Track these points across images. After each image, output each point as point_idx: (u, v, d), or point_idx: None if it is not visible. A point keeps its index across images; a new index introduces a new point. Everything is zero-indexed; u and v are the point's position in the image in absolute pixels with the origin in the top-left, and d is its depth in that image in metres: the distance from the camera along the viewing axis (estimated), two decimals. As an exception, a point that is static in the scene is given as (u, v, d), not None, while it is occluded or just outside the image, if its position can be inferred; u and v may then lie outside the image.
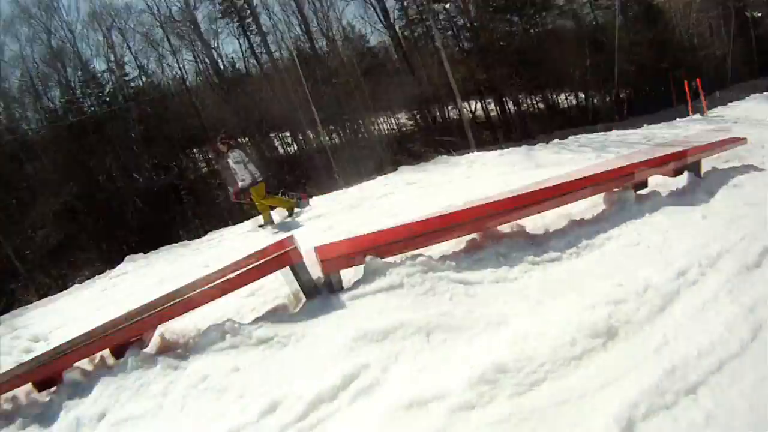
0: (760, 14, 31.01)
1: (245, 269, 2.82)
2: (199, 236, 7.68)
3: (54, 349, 2.97)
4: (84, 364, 2.93)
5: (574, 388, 2.09)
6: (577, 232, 3.47)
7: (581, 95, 25.18)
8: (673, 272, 2.83)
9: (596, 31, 24.58)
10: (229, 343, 2.66)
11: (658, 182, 4.40)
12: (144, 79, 20.34)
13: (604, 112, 23.31)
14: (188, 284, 2.92)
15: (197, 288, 2.82)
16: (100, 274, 6.91)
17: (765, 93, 15.17)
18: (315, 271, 3.00)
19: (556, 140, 8.61)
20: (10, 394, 2.88)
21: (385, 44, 26.92)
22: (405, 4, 26.83)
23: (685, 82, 11.22)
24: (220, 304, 3.00)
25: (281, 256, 2.81)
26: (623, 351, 2.29)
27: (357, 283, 2.93)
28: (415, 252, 3.14)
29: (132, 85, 20.15)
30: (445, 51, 19.38)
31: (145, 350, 2.83)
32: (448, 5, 23.41)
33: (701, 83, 10.94)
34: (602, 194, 3.90)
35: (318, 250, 2.97)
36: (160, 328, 3.00)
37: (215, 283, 2.81)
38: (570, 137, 9.16)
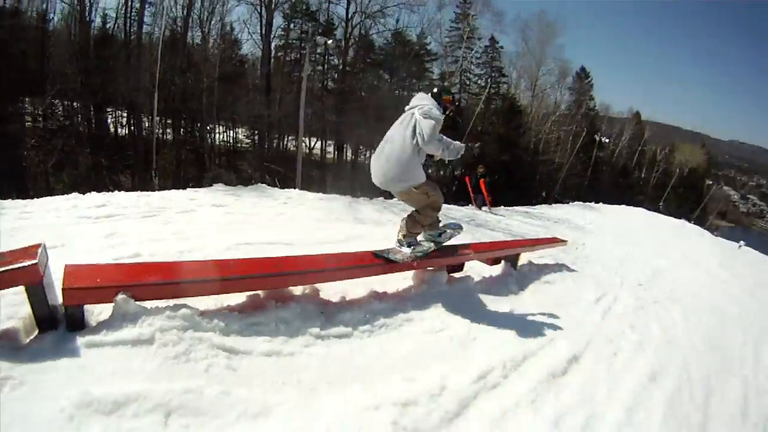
0: (607, 140, 37.85)
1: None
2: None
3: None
4: None
5: None
6: (376, 307, 3.01)
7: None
8: (474, 372, 2.58)
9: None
10: None
11: (474, 267, 4.27)
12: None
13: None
14: None
15: None
16: None
17: (585, 203, 18.31)
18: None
19: (381, 198, 8.03)
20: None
21: (255, 56, 25.94)
22: (291, 26, 26.32)
23: (481, 180, 11.74)
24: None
25: (13, 272, 2.01)
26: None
27: (102, 326, 2.16)
28: (180, 301, 2.36)
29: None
30: (307, 83, 18.92)
31: None
32: (330, 42, 23.27)
33: (485, 184, 11.63)
34: (413, 270, 3.53)
35: (68, 272, 2.20)
36: None
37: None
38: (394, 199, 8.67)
